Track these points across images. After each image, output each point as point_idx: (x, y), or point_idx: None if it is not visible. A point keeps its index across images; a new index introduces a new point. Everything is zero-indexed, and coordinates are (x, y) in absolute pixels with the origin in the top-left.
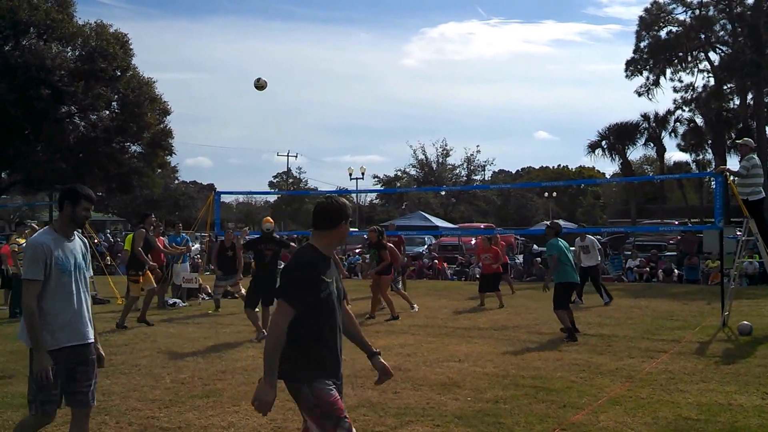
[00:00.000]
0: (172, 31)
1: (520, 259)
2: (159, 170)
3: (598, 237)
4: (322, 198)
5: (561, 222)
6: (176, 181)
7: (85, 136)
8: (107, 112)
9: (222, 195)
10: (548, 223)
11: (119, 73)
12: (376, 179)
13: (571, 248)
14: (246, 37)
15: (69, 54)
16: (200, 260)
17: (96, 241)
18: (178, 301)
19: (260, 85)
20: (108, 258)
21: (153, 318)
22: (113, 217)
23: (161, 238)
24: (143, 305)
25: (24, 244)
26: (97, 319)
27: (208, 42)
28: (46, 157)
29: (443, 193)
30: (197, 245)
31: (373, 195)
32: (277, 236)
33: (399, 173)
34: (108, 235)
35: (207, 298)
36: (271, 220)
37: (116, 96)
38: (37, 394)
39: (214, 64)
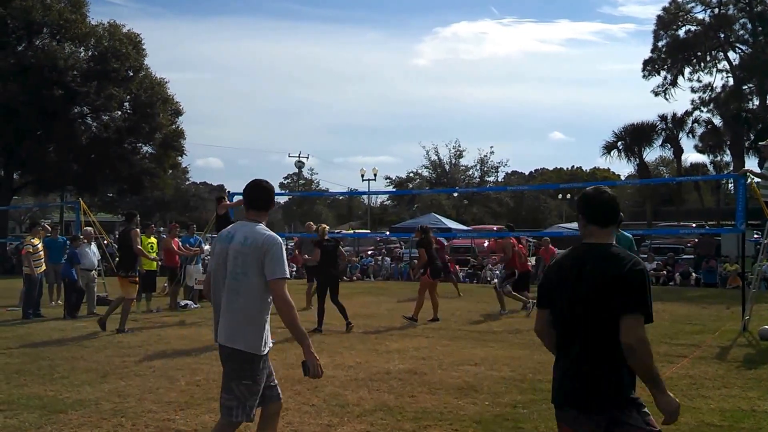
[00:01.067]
0: (180, 31)
1: (532, 261)
2: (170, 171)
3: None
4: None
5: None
6: (187, 182)
7: (96, 136)
8: (119, 113)
9: (235, 197)
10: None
11: (132, 74)
12: (388, 180)
13: None
14: (255, 36)
15: (82, 54)
16: None
17: (106, 242)
18: (190, 302)
19: None
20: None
21: (166, 320)
22: (123, 218)
23: (175, 239)
24: (122, 314)
25: (38, 245)
26: (109, 321)
27: (216, 42)
28: (58, 158)
29: (456, 194)
30: (208, 246)
31: (385, 196)
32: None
33: (411, 174)
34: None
35: None
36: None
37: (128, 96)
38: (248, 398)
39: (224, 64)
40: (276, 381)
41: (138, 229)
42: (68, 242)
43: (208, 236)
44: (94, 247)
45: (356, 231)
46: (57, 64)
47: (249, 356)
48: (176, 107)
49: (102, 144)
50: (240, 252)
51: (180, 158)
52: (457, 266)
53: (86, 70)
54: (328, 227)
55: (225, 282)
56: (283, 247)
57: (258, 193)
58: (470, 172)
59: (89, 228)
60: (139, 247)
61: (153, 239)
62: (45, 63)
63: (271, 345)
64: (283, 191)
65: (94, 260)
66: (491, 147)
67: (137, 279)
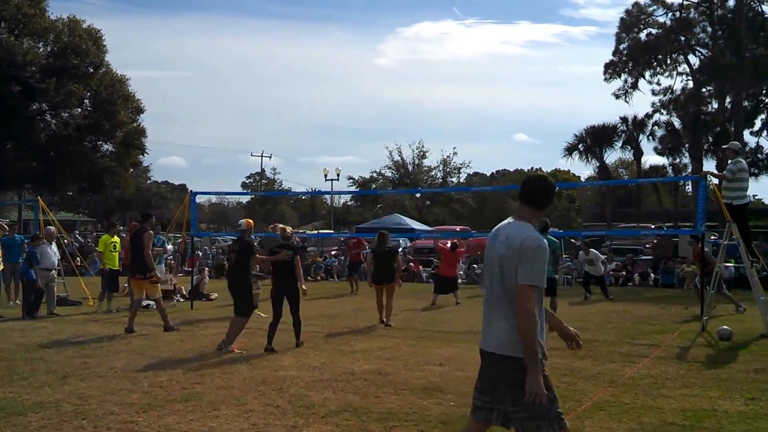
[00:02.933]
0: (145, 28)
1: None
2: (131, 170)
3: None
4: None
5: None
6: (148, 181)
7: (56, 134)
8: (79, 110)
9: (197, 195)
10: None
11: (92, 70)
12: (351, 181)
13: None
14: (220, 34)
15: (41, 50)
16: (173, 261)
17: (66, 241)
18: (152, 303)
19: None
20: (78, 259)
21: (127, 321)
22: (83, 217)
23: None
24: (161, 314)
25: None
26: (69, 321)
27: (181, 39)
28: (16, 156)
29: (419, 195)
30: (171, 246)
31: (348, 196)
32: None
33: (374, 175)
34: (78, 235)
35: (182, 299)
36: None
37: (89, 93)
38: (550, 408)
39: (188, 62)
40: None
41: (152, 232)
42: (26, 241)
43: (170, 236)
44: (54, 246)
45: (320, 231)
46: (15, 59)
47: (522, 363)
48: (137, 105)
49: (61, 141)
50: (499, 253)
51: (141, 157)
52: (420, 266)
53: (45, 66)
54: (290, 230)
55: (487, 284)
56: (546, 252)
57: (533, 186)
58: (433, 173)
59: (51, 227)
60: (149, 252)
61: (116, 239)
62: (2, 58)
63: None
64: (245, 191)
65: (54, 260)
66: (454, 148)
67: (158, 277)
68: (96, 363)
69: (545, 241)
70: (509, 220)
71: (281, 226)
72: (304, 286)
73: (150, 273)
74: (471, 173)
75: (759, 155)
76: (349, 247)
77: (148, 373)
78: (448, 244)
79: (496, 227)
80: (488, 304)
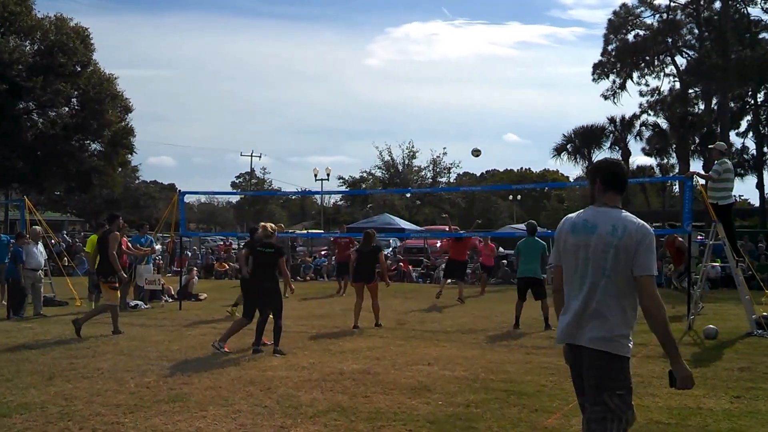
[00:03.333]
0: (134, 27)
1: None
2: (120, 169)
3: None
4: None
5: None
6: (137, 181)
7: (43, 133)
8: (66, 109)
9: (185, 195)
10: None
11: (79, 69)
12: (341, 180)
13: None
14: (210, 33)
15: (27, 48)
16: (162, 262)
17: (54, 241)
18: (140, 303)
19: (476, 154)
20: (66, 259)
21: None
22: (71, 216)
23: (124, 239)
24: (113, 319)
25: None
26: (56, 322)
27: (171, 38)
28: (2, 155)
29: (408, 195)
30: (159, 246)
31: (338, 196)
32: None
33: (364, 174)
34: (65, 235)
35: (170, 299)
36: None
37: (76, 92)
38: (625, 410)
39: (178, 61)
40: None
41: (117, 233)
42: (11, 241)
43: (159, 236)
44: (40, 246)
45: (309, 231)
46: (1, 57)
47: (618, 359)
48: (125, 104)
49: (49, 141)
50: (609, 243)
51: (130, 156)
52: (410, 266)
53: (32, 64)
54: (272, 227)
55: (580, 277)
56: (654, 239)
57: (620, 170)
58: (423, 173)
59: (37, 227)
60: (114, 252)
61: None
62: None
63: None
64: (234, 191)
65: (40, 260)
66: (444, 148)
67: (117, 284)
68: (82, 364)
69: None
70: (597, 208)
71: (263, 223)
72: (292, 285)
73: (111, 277)
74: (461, 173)
75: (745, 156)
76: (339, 246)
77: (134, 373)
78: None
79: (578, 217)
80: (583, 297)
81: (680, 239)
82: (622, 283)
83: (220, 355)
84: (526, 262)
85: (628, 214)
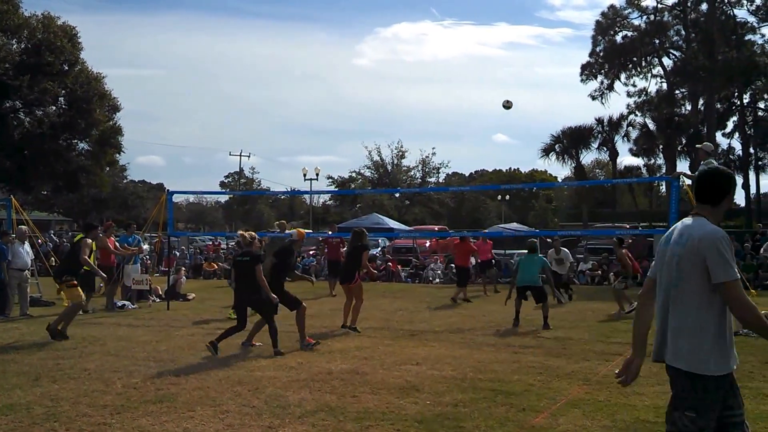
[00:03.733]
0: (123, 26)
1: (472, 260)
2: (107, 169)
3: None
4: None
5: (515, 225)
6: (125, 180)
7: (30, 132)
8: (54, 108)
9: (174, 194)
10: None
11: (67, 68)
12: (331, 180)
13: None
14: (199, 33)
15: (14, 46)
16: (149, 261)
17: (40, 241)
18: (127, 303)
19: (507, 105)
20: (53, 259)
21: (101, 320)
22: (58, 216)
23: (111, 238)
24: (66, 318)
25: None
26: (42, 322)
27: (160, 37)
28: None
29: (398, 195)
30: (147, 246)
31: (327, 196)
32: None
33: (354, 174)
34: (53, 235)
35: (157, 299)
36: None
37: (63, 91)
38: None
39: (169, 61)
40: (744, 416)
41: (89, 240)
42: None
43: (147, 236)
44: (27, 246)
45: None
46: None
47: (690, 377)
48: (113, 103)
49: (36, 140)
50: (676, 253)
51: (118, 156)
52: (399, 266)
53: (19, 62)
54: (251, 235)
55: (661, 290)
56: (730, 243)
57: (707, 180)
58: (412, 173)
59: (23, 227)
60: (85, 257)
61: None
62: None
63: (734, 365)
64: (223, 190)
65: (27, 260)
66: (433, 148)
67: (74, 282)
68: (69, 365)
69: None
70: (687, 218)
71: (240, 232)
72: (272, 295)
73: (65, 276)
74: (450, 173)
75: (731, 156)
76: (330, 246)
77: (121, 374)
78: (457, 239)
79: (670, 229)
80: (660, 310)
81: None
82: (694, 293)
83: (208, 356)
84: (525, 272)
85: (706, 221)
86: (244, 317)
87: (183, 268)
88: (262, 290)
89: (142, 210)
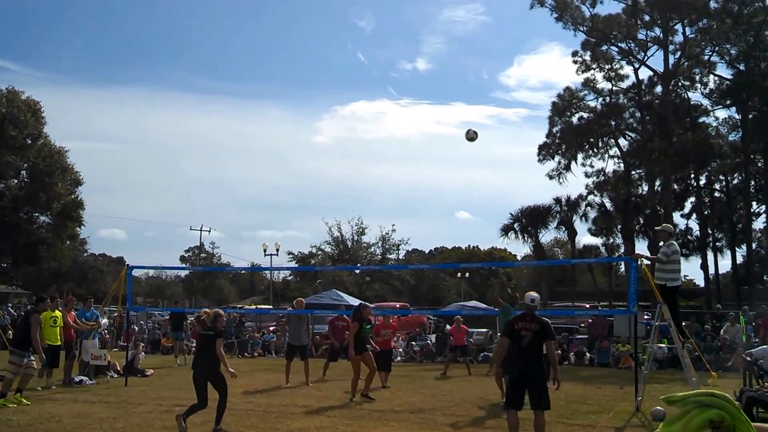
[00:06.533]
0: (88, 101)
1: (432, 339)
2: (68, 242)
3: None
4: None
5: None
6: (85, 254)
7: None
8: (15, 181)
9: (133, 269)
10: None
11: (30, 142)
12: (291, 255)
13: None
14: (161, 109)
15: None
16: (108, 336)
17: None
18: (85, 378)
19: (471, 137)
20: (10, 332)
21: (59, 396)
22: (17, 289)
23: (71, 313)
24: (21, 382)
25: None
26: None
27: (123, 112)
28: None
29: (358, 271)
30: (105, 320)
31: (288, 272)
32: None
33: (314, 250)
34: (11, 308)
35: (116, 375)
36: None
37: (26, 164)
38: None
39: (131, 136)
40: None
41: (39, 315)
42: None
43: (106, 310)
44: None
45: (258, 306)
46: None
47: None
48: (76, 177)
49: None
50: None
51: (78, 229)
52: None
53: None
54: (215, 313)
55: None
56: None
57: None
58: (372, 249)
59: None
60: (36, 335)
61: (58, 312)
62: None
63: None
64: (183, 265)
65: None
66: (393, 225)
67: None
68: None
69: None
70: None
71: (205, 310)
72: (231, 369)
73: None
74: (410, 250)
75: (689, 237)
76: (336, 330)
77: None
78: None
79: None
80: None
81: None
82: None
83: None
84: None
85: None
86: (205, 394)
87: (141, 344)
88: (220, 365)
89: (102, 284)
